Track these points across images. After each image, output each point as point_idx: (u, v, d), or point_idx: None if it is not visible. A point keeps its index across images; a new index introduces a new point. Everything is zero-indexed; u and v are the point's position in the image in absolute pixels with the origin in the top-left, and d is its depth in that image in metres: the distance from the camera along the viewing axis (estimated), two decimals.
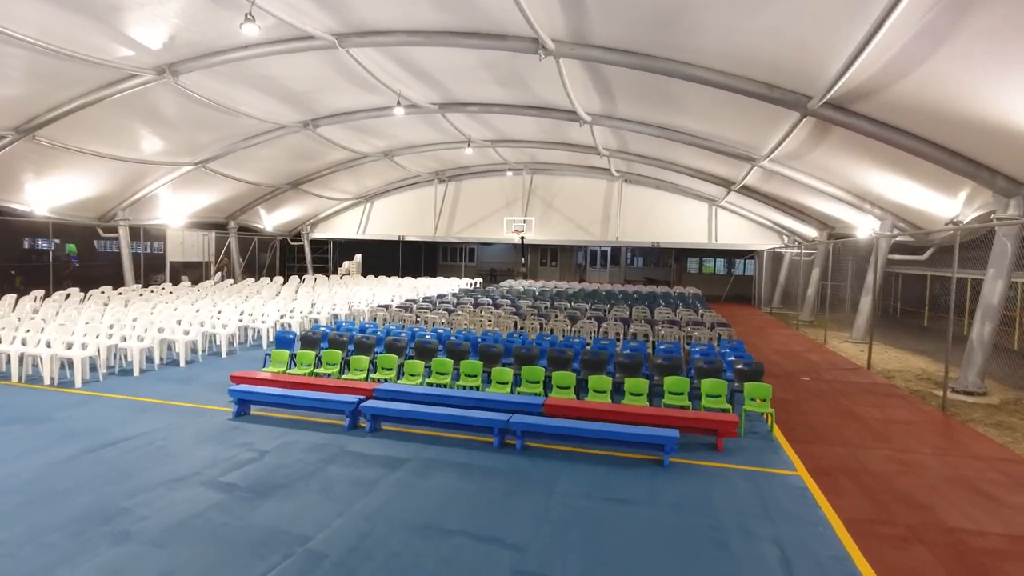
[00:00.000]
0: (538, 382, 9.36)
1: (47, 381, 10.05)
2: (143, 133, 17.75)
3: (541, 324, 13.32)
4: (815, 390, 11.26)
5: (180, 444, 7.41)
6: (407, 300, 17.43)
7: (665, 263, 38.20)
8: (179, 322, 12.38)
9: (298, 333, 11.15)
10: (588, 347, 11.13)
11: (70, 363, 10.75)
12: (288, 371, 10.01)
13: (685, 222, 27.71)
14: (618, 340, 12.54)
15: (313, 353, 10.26)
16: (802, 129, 13.13)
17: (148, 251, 26.00)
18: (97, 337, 11.05)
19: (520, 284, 25.62)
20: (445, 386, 9.56)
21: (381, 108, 18.78)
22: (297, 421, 8.43)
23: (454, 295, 19.22)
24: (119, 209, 21.43)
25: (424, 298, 18.20)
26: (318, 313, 16.12)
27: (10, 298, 15.20)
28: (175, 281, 23.83)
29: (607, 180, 28.42)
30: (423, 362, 9.91)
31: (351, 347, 10.99)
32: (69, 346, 10.48)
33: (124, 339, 11.67)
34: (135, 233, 23.86)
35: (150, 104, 15.90)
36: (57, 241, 27.63)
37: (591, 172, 28.00)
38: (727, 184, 22.32)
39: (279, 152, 21.89)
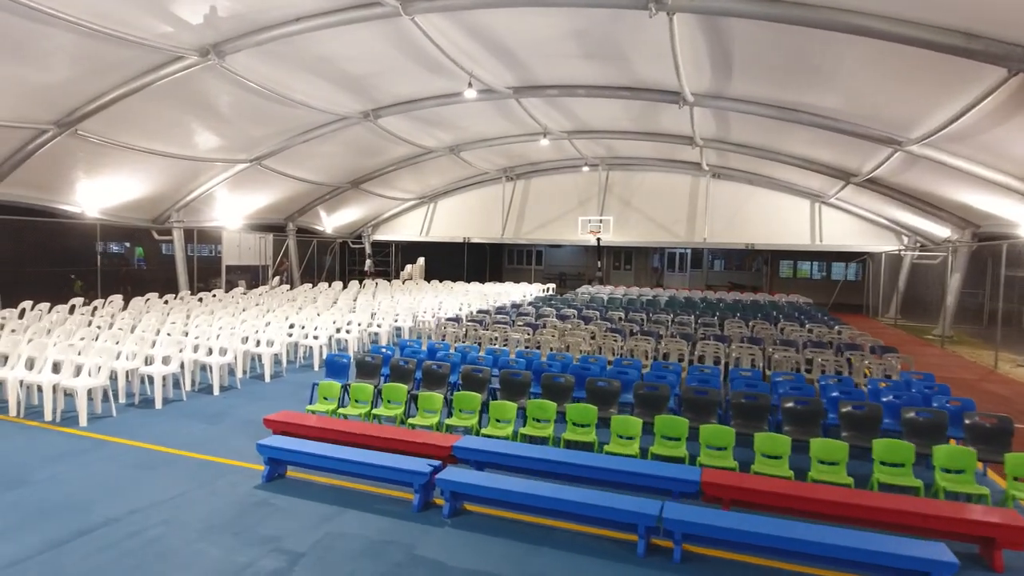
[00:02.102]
0: (679, 439, 6.59)
1: (47, 417, 7.99)
2: (193, 127, 15.94)
3: (656, 347, 10.51)
4: None
5: (181, 535, 5.05)
6: (478, 311, 14.92)
7: (749, 266, 34.48)
8: (218, 336, 10.24)
9: (352, 357, 8.77)
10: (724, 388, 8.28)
11: (88, 393, 8.70)
12: (339, 410, 7.61)
13: (783, 221, 24.19)
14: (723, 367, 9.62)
15: (371, 387, 7.82)
16: (1001, 93, 9.85)
17: (211, 254, 24.58)
18: (118, 358, 9.00)
19: (600, 290, 22.72)
20: (547, 440, 6.93)
21: (448, 95, 16.39)
22: (347, 492, 5.97)
23: (530, 304, 16.59)
24: (173, 210, 19.85)
25: (497, 308, 15.67)
26: (378, 326, 13.83)
27: (44, 306, 13.55)
28: (230, 286, 22.20)
29: (692, 175, 25.22)
30: (513, 403, 7.31)
31: (418, 375, 8.53)
32: (78, 371, 8.42)
33: (149, 361, 9.60)
34: (191, 235, 22.43)
35: (197, 93, 13.99)
36: (127, 244, 26.72)
37: (676, 166, 24.87)
38: (845, 176, 18.85)
39: (338, 148, 19.87)
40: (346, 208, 26.11)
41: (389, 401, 7.67)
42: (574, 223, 26.04)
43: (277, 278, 24.04)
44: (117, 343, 9.40)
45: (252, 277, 23.65)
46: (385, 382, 8.46)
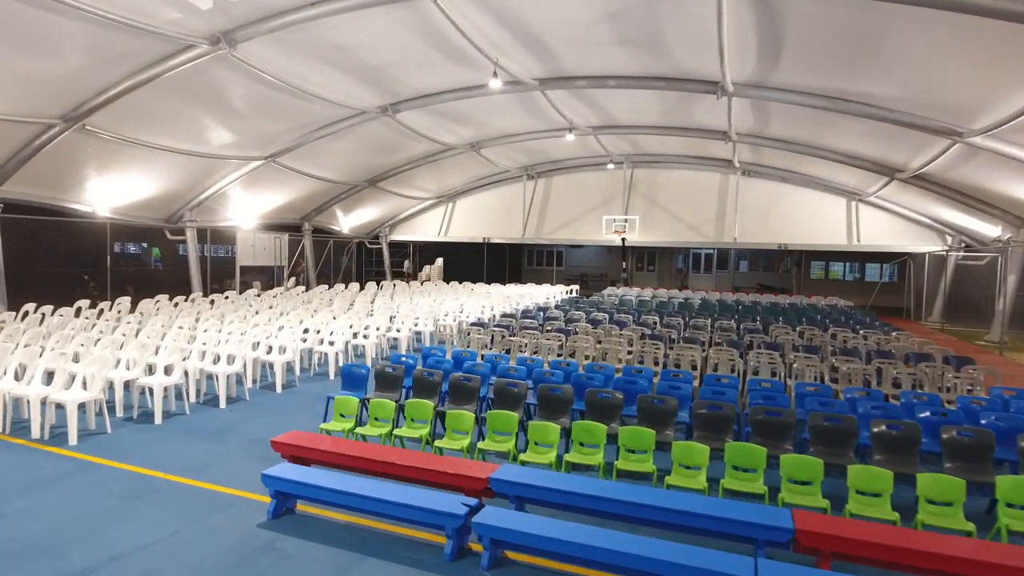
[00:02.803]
0: (754, 470, 5.57)
1: (34, 434, 7.15)
2: (205, 122, 15.17)
3: (702, 355, 9.48)
4: None
5: None
6: (503, 315, 13.97)
7: (775, 267, 33.19)
8: (226, 342, 9.38)
9: (371, 367, 7.87)
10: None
11: (82, 407, 7.89)
12: (357, 430, 6.69)
13: (818, 220, 22.96)
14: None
15: (392, 403, 6.89)
16: None
17: (226, 254, 23.88)
18: (116, 367, 8.17)
19: (626, 292, 21.66)
20: (596, 468, 5.95)
21: (470, 87, 15.49)
22: (366, 533, 5.04)
23: (557, 307, 15.59)
24: (186, 210, 19.13)
25: (523, 311, 14.71)
26: (397, 330, 12.93)
27: (48, 308, 12.83)
28: (245, 287, 21.49)
29: (722, 172, 24.07)
30: (555, 423, 6.34)
31: (444, 389, 7.60)
32: (71, 382, 7.59)
33: (151, 370, 8.77)
34: (204, 236, 21.75)
35: (209, 86, 13.21)
36: (144, 245, 26.17)
37: (704, 164, 23.76)
38: (889, 172, 17.65)
39: (354, 145, 19.05)
40: (363, 208, 25.31)
41: (413, 420, 6.73)
42: (597, 223, 25.02)
43: (293, 279, 23.28)
44: (120, 348, 8.59)
45: (267, 278, 22.93)
46: (407, 397, 7.54)
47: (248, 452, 6.85)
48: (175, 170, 16.78)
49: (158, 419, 7.87)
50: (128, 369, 8.23)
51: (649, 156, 24.09)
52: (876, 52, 10.69)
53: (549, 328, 11.58)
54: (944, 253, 21.74)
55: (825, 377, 8.84)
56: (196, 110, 14.48)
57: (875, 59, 11.02)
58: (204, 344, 9.30)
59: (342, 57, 13.11)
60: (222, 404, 8.66)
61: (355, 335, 11.95)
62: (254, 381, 9.85)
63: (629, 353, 9.82)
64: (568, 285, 24.31)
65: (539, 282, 26.40)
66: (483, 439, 6.55)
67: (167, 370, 8.41)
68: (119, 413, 8.09)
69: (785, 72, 12.60)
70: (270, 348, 10.14)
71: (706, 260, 32.85)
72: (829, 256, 29.81)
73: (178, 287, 19.19)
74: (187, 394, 8.66)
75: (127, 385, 8.18)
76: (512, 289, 21.71)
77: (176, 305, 14.47)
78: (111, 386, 8.17)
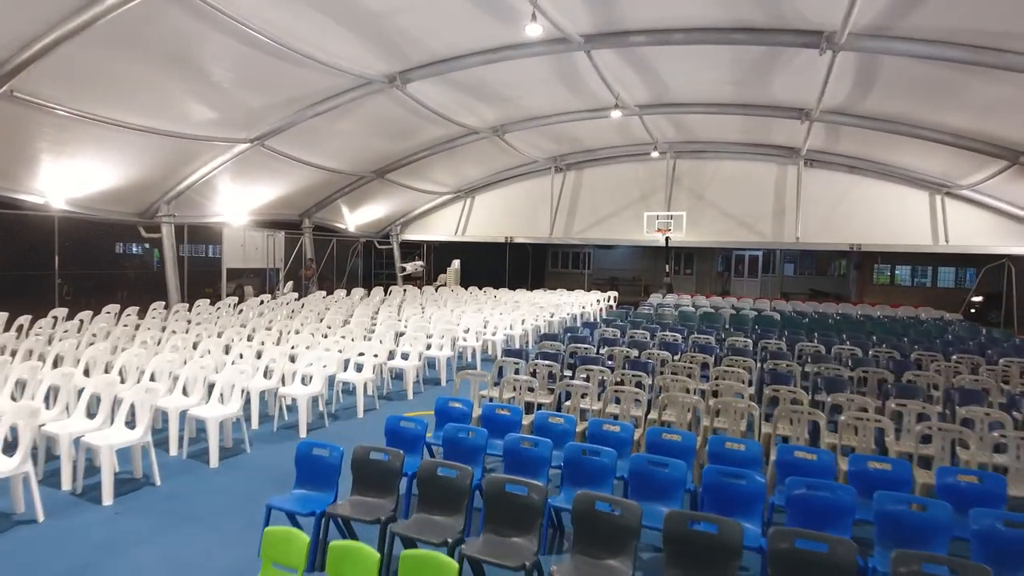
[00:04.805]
0: None
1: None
2: (173, 92, 11.93)
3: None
4: None
5: None
6: (543, 336, 10.51)
7: (825, 270, 29.46)
8: (149, 386, 6.07)
9: (350, 456, 4.48)
10: None
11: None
12: None
13: (894, 217, 19.31)
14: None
15: (374, 557, 3.53)
16: None
17: (215, 255, 20.77)
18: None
19: (679, 302, 18.01)
20: None
21: (497, 48, 12.17)
22: None
23: (607, 323, 12.09)
24: (162, 202, 15.97)
25: (567, 330, 11.25)
26: (403, 356, 9.59)
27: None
28: (237, 295, 18.34)
29: (779, 163, 20.50)
30: None
31: (475, 496, 4.22)
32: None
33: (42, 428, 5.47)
34: (195, 234, 18.65)
35: (169, 40, 10.00)
36: (147, 245, 23.15)
37: (760, 153, 20.23)
38: (1012, 155, 14.02)
39: (358, 126, 15.79)
40: (371, 203, 22.02)
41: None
42: (634, 220, 21.57)
43: (290, 283, 20.02)
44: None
45: (261, 282, 19.73)
46: (407, 514, 4.19)
47: None
48: (144, 154, 13.60)
49: (39, 518, 4.56)
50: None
51: (696, 144, 20.60)
52: None
53: (605, 351, 8.21)
54: None
55: None
56: (159, 75, 11.26)
57: None
58: (134, 395, 5.99)
59: (336, 2, 9.83)
60: (105, 497, 5.29)
61: (347, 361, 8.61)
62: (181, 446, 6.49)
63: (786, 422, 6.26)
64: (605, 292, 20.81)
65: (564, 286, 22.95)
66: None
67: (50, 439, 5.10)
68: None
69: (926, 12, 9.10)
70: (210, 391, 6.75)
71: (750, 263, 29.14)
72: (898, 258, 25.91)
73: (156, 293, 16.13)
74: (103, 466, 5.32)
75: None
76: (542, 297, 18.27)
77: (126, 318, 11.24)
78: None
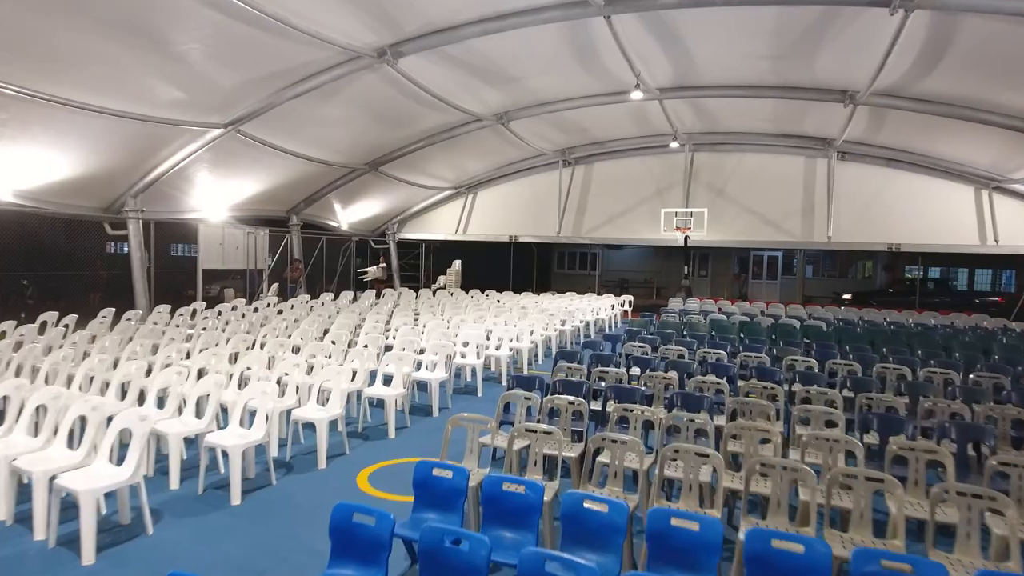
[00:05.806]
0: None
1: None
2: (131, 68, 10.14)
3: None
4: None
5: None
6: (561, 352, 8.66)
7: (845, 271, 27.57)
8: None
9: None
10: None
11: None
12: None
13: (936, 214, 17.46)
14: None
15: None
16: None
17: (192, 253, 18.96)
18: None
19: (703, 308, 16.07)
20: None
21: (504, 15, 10.37)
22: None
23: (629, 336, 10.24)
24: (128, 196, 14.17)
25: (585, 344, 9.39)
26: (385, 382, 7.75)
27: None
28: (213, 299, 16.59)
29: (807, 156, 18.67)
30: None
31: None
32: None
33: None
34: (168, 232, 16.87)
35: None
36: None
37: (788, 144, 18.40)
38: None
39: (348, 110, 14.00)
40: (365, 199, 20.21)
41: None
42: (648, 218, 19.77)
43: (274, 286, 18.20)
44: None
45: (242, 284, 17.92)
46: None
47: None
48: (102, 139, 11.81)
49: None
50: None
51: (717, 135, 18.77)
52: None
53: (644, 379, 6.41)
54: None
55: None
56: (111, 46, 9.47)
57: None
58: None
59: None
60: None
61: (310, 389, 6.78)
62: (101, 512, 4.67)
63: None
64: (618, 296, 18.95)
65: (572, 289, 21.07)
66: None
67: None
68: None
69: None
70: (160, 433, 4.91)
71: (769, 264, 27.23)
72: (932, 259, 24.00)
73: (160, 296, 14.44)
74: None
75: None
76: (550, 302, 16.39)
77: (64, 331, 9.42)
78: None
